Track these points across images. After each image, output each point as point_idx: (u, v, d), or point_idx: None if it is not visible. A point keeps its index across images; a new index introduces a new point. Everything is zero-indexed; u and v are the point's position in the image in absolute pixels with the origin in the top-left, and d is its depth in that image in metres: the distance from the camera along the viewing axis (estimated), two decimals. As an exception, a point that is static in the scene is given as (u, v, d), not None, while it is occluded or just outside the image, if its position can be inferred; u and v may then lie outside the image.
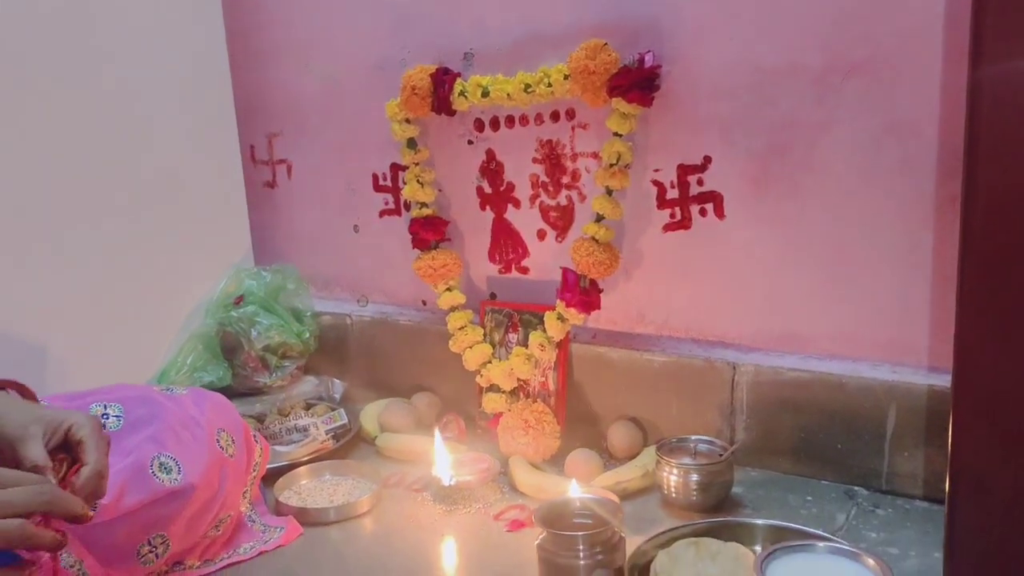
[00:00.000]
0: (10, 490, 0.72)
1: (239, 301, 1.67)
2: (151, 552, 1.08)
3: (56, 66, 1.43)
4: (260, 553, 1.20)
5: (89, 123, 1.50)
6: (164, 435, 1.10)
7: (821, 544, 1.06)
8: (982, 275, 0.65)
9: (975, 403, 0.66)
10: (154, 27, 1.59)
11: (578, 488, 1.15)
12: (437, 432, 1.42)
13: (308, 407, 1.63)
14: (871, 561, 1.01)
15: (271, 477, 1.37)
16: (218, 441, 1.18)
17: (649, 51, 1.32)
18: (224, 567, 1.17)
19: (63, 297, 1.47)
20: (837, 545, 1.06)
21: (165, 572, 1.12)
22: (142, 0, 1.57)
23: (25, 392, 0.96)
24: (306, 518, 1.28)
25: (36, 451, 0.82)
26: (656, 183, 1.40)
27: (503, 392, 1.51)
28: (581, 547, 1.01)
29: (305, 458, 1.45)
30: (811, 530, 1.11)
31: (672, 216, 1.40)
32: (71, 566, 0.99)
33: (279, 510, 1.31)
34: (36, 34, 1.41)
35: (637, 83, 1.32)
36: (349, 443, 1.54)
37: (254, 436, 1.30)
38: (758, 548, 1.08)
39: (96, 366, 1.48)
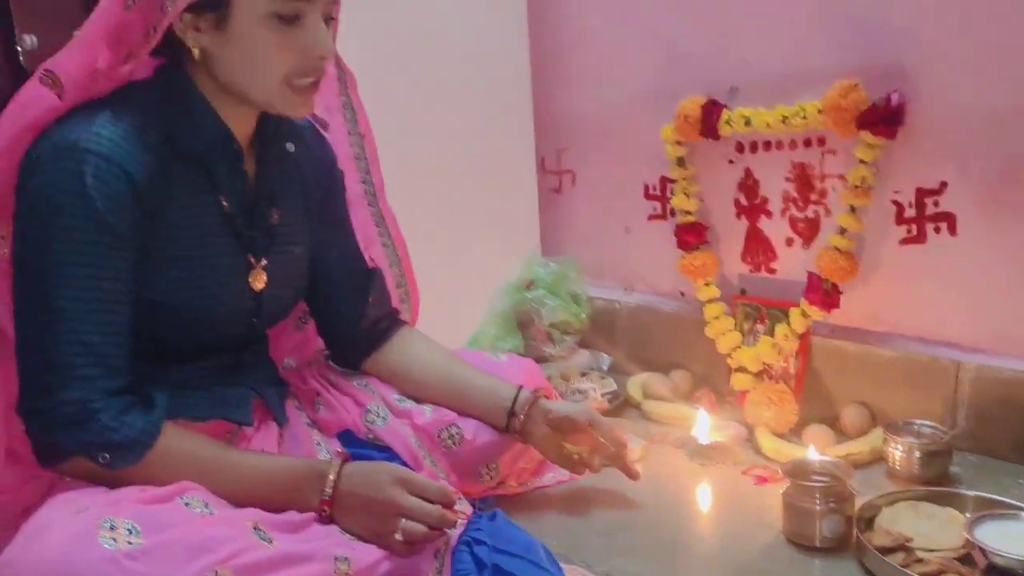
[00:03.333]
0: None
1: (530, 285, 2.08)
2: (487, 474, 1.46)
3: (407, 90, 1.84)
4: (559, 482, 1.56)
5: (431, 138, 1.91)
6: None
7: (1027, 514, 1.27)
8: None
9: None
10: (474, 55, 1.99)
11: (816, 453, 1.42)
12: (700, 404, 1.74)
13: (583, 375, 2.00)
14: (1071, 530, 1.21)
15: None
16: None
17: (895, 91, 1.55)
18: (533, 489, 1.55)
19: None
20: (1042, 515, 1.26)
21: (494, 488, 1.50)
22: (464, 34, 1.97)
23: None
24: (592, 460, 1.64)
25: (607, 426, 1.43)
26: (895, 203, 1.62)
27: (750, 373, 1.80)
28: (818, 496, 1.29)
29: (586, 415, 1.81)
30: (1020, 503, 1.31)
31: (908, 232, 1.62)
32: (440, 473, 1.40)
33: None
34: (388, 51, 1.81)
35: (884, 119, 1.55)
36: (618, 407, 1.88)
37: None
38: (969, 515, 1.30)
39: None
